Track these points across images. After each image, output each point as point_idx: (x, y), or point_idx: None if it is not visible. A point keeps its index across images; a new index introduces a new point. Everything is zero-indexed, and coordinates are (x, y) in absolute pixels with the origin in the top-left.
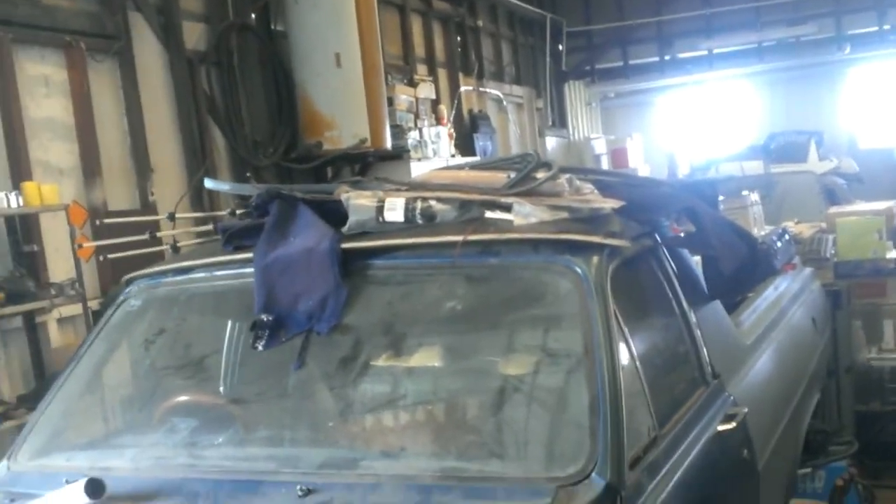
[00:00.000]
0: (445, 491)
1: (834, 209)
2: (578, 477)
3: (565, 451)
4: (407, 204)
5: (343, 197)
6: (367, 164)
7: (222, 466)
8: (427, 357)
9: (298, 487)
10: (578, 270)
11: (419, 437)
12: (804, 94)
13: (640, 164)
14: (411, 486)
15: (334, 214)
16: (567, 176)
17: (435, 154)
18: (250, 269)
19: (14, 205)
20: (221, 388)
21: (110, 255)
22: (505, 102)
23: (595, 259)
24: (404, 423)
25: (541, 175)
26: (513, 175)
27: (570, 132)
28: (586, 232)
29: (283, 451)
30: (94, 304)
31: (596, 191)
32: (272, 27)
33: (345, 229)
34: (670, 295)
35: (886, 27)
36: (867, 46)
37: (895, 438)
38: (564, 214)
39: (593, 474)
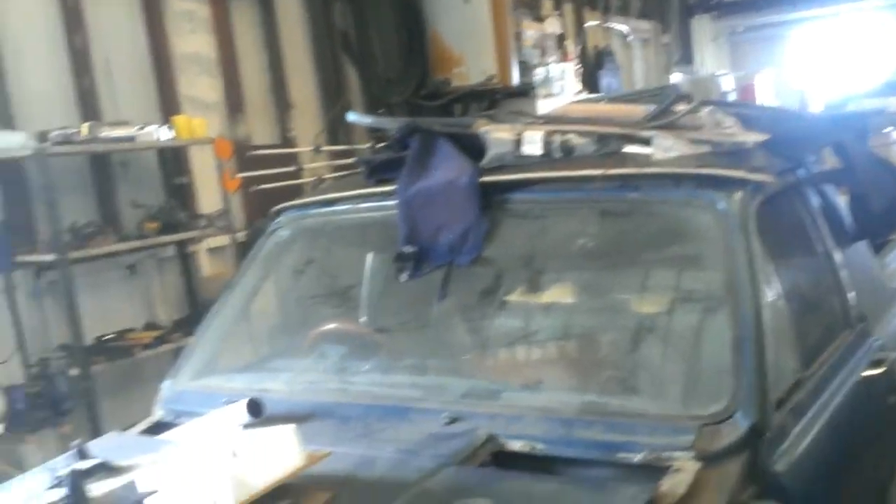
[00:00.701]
0: (587, 425)
1: None
2: (722, 416)
3: (709, 389)
4: (545, 137)
5: (481, 130)
6: (494, 100)
7: (371, 392)
8: (566, 292)
9: (444, 415)
10: (721, 206)
11: (560, 372)
12: None
13: (770, 101)
14: (553, 419)
15: (472, 148)
16: (708, 109)
17: (561, 91)
18: (393, 202)
19: (166, 138)
20: (367, 318)
21: (255, 188)
22: (630, 38)
23: (738, 195)
24: (544, 356)
25: (681, 108)
26: (652, 108)
27: (697, 68)
28: (729, 166)
29: (428, 380)
30: (240, 236)
31: (738, 124)
32: None
33: (483, 162)
34: (815, 233)
35: None
36: None
37: None
38: (706, 148)
39: (737, 414)
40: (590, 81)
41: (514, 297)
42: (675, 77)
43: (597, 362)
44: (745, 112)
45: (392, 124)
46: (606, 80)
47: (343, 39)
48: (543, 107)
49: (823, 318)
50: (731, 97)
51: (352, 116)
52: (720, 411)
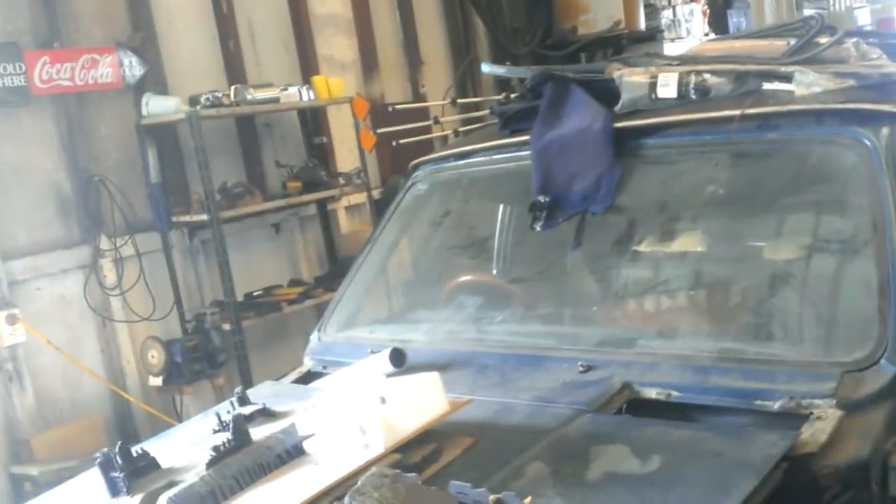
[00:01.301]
0: (724, 373)
1: None
2: (866, 363)
3: (851, 335)
4: (680, 79)
5: (615, 75)
6: (620, 46)
7: (507, 342)
8: (704, 238)
9: (579, 364)
10: (868, 142)
11: (695, 319)
12: None
13: None
14: (689, 366)
15: (605, 94)
16: (853, 40)
17: (688, 34)
18: (527, 152)
19: (306, 98)
20: (502, 268)
21: (394, 142)
22: None
23: (886, 130)
24: (680, 303)
25: (824, 41)
26: (793, 42)
27: (831, 3)
28: (876, 100)
29: (563, 329)
30: (376, 194)
31: (885, 56)
32: None
33: (617, 108)
34: None
35: None
36: None
37: None
38: (851, 82)
39: (882, 360)
40: (718, 23)
41: (649, 246)
42: (807, 13)
43: (733, 309)
44: (893, 42)
45: (525, 73)
46: (736, 19)
47: None
48: (671, 50)
49: None
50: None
51: (486, 67)
52: (864, 357)
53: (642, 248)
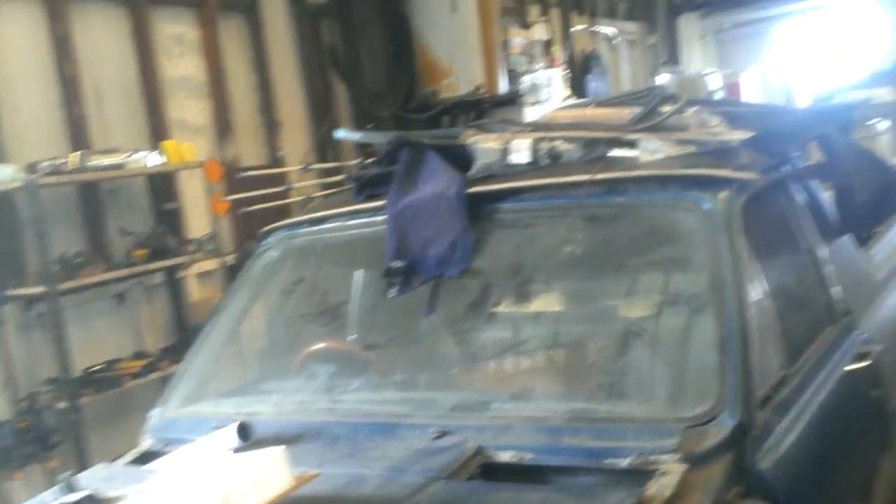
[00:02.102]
0: (575, 432)
1: None
2: (707, 417)
3: (694, 390)
4: (532, 145)
5: (470, 141)
6: (482, 110)
7: (360, 410)
8: (554, 300)
9: (432, 430)
10: (706, 206)
11: (547, 380)
12: None
13: (756, 97)
14: (542, 428)
15: (461, 159)
16: (694, 108)
17: (548, 97)
18: (382, 217)
19: (155, 163)
20: (357, 335)
21: (245, 209)
22: (617, 40)
23: (723, 194)
24: (532, 366)
25: (667, 109)
26: (638, 110)
27: (684, 68)
28: (714, 166)
29: (417, 395)
30: (229, 259)
31: (723, 123)
32: None
33: (471, 173)
34: (801, 229)
35: None
36: None
37: None
38: (692, 148)
39: (722, 414)
40: (577, 86)
41: (503, 308)
42: (663, 77)
43: (584, 369)
44: (731, 110)
45: (381, 139)
46: (594, 84)
47: (331, 55)
48: (531, 114)
49: (809, 314)
50: (719, 95)
51: (341, 133)
52: (705, 412)
53: (497, 310)
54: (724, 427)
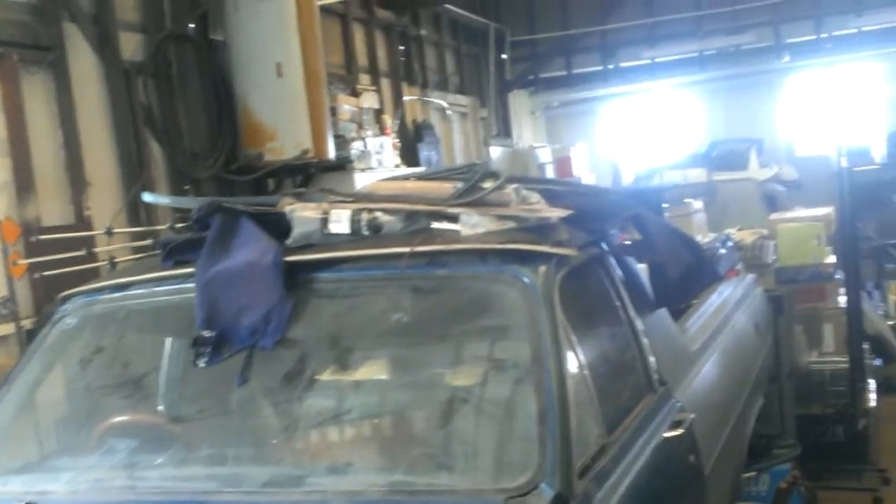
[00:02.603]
0: None
1: (775, 216)
2: (527, 487)
3: (514, 461)
4: (352, 215)
5: (287, 209)
6: (309, 175)
7: (164, 488)
8: (374, 370)
9: None
10: (526, 280)
11: (366, 452)
12: (744, 102)
13: (585, 172)
14: (359, 502)
15: (278, 227)
16: (514, 185)
17: (379, 164)
18: (192, 285)
19: None
20: (162, 407)
21: (45, 273)
22: (449, 112)
23: (542, 268)
24: (351, 437)
25: (488, 185)
26: (459, 185)
27: (515, 141)
28: (533, 241)
29: (226, 470)
30: (27, 324)
31: (543, 200)
32: (211, 37)
33: (289, 242)
34: (618, 303)
35: (823, 35)
36: (805, 55)
37: (836, 440)
38: (512, 224)
39: (542, 484)
40: (409, 155)
41: (321, 378)
42: (494, 150)
43: (405, 440)
44: (550, 188)
45: (192, 203)
46: (426, 153)
47: (147, 114)
48: (361, 181)
49: (627, 384)
50: (549, 169)
51: (148, 197)
52: (525, 483)
53: (315, 381)
54: (544, 497)
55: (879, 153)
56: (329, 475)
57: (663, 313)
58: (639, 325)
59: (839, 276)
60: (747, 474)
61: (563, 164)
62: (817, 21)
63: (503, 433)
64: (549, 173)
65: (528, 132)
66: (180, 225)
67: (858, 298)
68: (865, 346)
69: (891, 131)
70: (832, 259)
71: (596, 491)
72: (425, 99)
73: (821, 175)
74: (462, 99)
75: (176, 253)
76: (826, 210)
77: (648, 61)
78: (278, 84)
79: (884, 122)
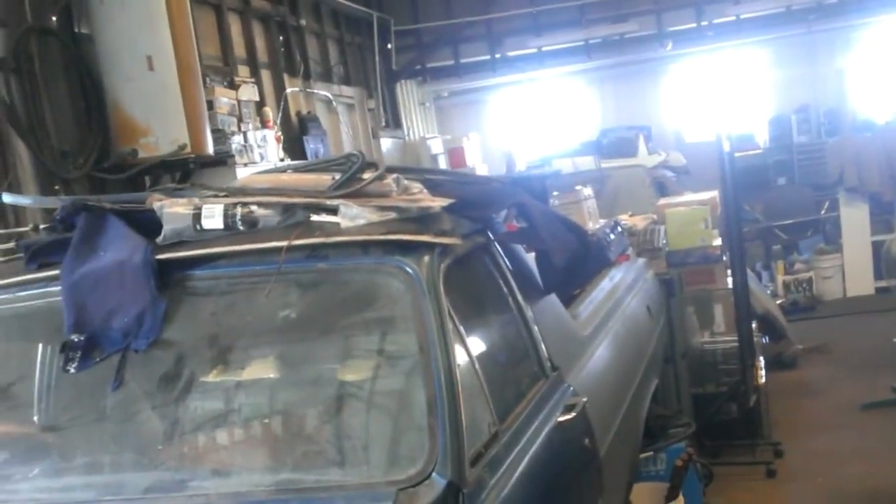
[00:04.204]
0: None
1: (663, 201)
2: (419, 478)
3: (405, 453)
4: (226, 210)
5: (156, 206)
6: (188, 171)
7: (37, 499)
8: (256, 369)
9: None
10: (409, 270)
11: (252, 452)
12: (633, 90)
13: (478, 162)
14: (243, 503)
15: (149, 225)
16: (394, 176)
17: (262, 159)
18: (58, 287)
19: None
20: (34, 417)
21: None
22: (335, 103)
23: (426, 258)
24: (235, 438)
25: (367, 176)
26: (338, 177)
27: (406, 132)
28: (416, 231)
29: (105, 478)
30: None
31: (425, 190)
32: (76, 30)
33: (159, 239)
34: (505, 290)
35: (704, 23)
36: (687, 43)
37: (730, 417)
38: (393, 215)
39: (434, 474)
40: (294, 148)
41: (201, 379)
42: (384, 142)
43: (292, 438)
44: (432, 178)
45: (56, 203)
46: (312, 145)
47: (9, 112)
48: (243, 175)
49: (519, 371)
50: (441, 160)
51: (7, 198)
52: (417, 473)
53: (193, 383)
54: (435, 487)
55: (763, 138)
56: (213, 478)
57: (553, 299)
58: (528, 311)
59: (727, 257)
60: (644, 454)
61: (455, 154)
62: (698, 9)
63: (393, 425)
64: (442, 164)
65: (419, 123)
66: (44, 226)
67: (745, 279)
68: (754, 324)
69: (773, 116)
70: (719, 241)
71: (489, 478)
72: (309, 90)
73: (708, 160)
74: (348, 90)
75: (40, 255)
76: (712, 194)
77: (535, 50)
78: (150, 78)
79: (767, 108)
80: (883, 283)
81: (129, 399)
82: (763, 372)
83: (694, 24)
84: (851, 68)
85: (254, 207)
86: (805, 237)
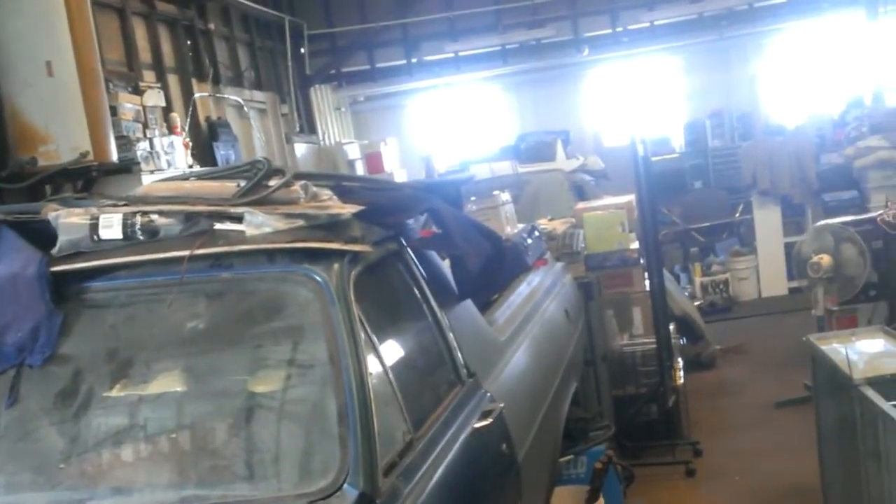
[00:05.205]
0: None
1: (581, 205)
2: (330, 489)
3: (316, 464)
4: (125, 219)
5: (51, 216)
6: (91, 179)
7: None
8: (160, 382)
9: None
10: (318, 278)
11: (155, 468)
12: (551, 95)
13: (397, 168)
14: None
15: (44, 236)
16: (302, 182)
17: (170, 165)
18: None
19: None
20: None
21: None
22: (246, 109)
23: (335, 266)
24: (139, 454)
25: (273, 182)
26: (243, 184)
27: (321, 138)
28: (324, 239)
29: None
30: None
31: (335, 197)
32: None
33: (54, 251)
34: (419, 297)
35: (619, 29)
36: (603, 48)
37: (650, 419)
38: (300, 222)
39: (345, 485)
40: (204, 154)
41: (101, 394)
42: (298, 147)
43: (196, 453)
44: (342, 184)
45: None
46: (223, 152)
47: None
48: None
49: (434, 378)
50: (359, 165)
51: None
52: (328, 485)
53: (92, 399)
54: (347, 498)
55: (679, 143)
56: (114, 496)
57: (469, 305)
58: (443, 318)
59: (644, 260)
60: (565, 458)
61: (373, 159)
62: (613, 15)
63: (304, 437)
64: (360, 170)
65: (335, 128)
66: None
67: (662, 281)
68: (672, 326)
69: (688, 121)
70: (636, 245)
71: (403, 487)
72: (219, 95)
73: (626, 165)
74: (259, 95)
75: None
76: (629, 198)
77: (452, 55)
78: (49, 83)
79: (682, 113)
80: (795, 284)
81: (25, 416)
82: (682, 373)
83: (609, 30)
84: (763, 74)
85: (154, 216)
86: (721, 239)
